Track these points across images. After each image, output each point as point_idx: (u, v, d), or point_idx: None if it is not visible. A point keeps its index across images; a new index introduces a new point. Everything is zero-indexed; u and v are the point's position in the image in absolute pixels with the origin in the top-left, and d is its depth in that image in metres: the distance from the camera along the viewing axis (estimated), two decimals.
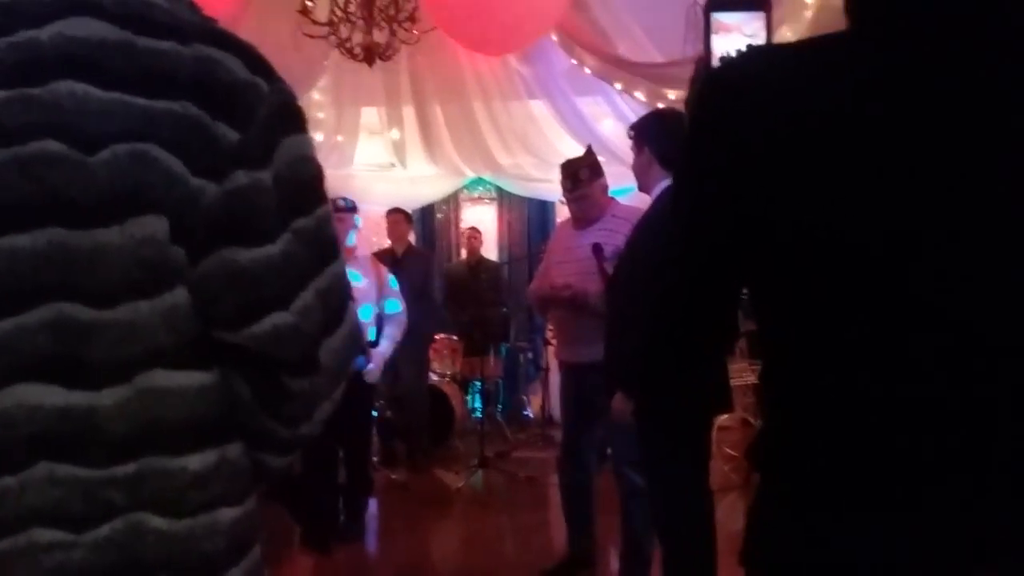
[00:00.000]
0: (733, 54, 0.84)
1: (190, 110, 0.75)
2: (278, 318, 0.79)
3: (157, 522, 0.75)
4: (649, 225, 2.61)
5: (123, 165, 0.73)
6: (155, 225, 0.74)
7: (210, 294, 0.77)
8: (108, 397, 0.74)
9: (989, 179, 0.73)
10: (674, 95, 4.73)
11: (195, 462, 0.77)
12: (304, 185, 0.82)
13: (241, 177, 0.77)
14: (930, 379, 0.74)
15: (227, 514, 0.79)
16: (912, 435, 0.75)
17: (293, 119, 0.83)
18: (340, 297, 0.85)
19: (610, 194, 3.50)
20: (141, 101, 0.74)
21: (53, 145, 0.73)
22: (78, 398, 0.73)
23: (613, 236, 3.17)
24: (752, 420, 5.29)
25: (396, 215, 6.04)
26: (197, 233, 0.76)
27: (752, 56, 0.86)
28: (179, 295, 0.76)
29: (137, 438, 0.75)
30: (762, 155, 0.77)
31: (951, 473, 0.74)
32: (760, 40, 0.79)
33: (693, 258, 0.85)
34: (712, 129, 0.81)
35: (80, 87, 0.73)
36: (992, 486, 0.74)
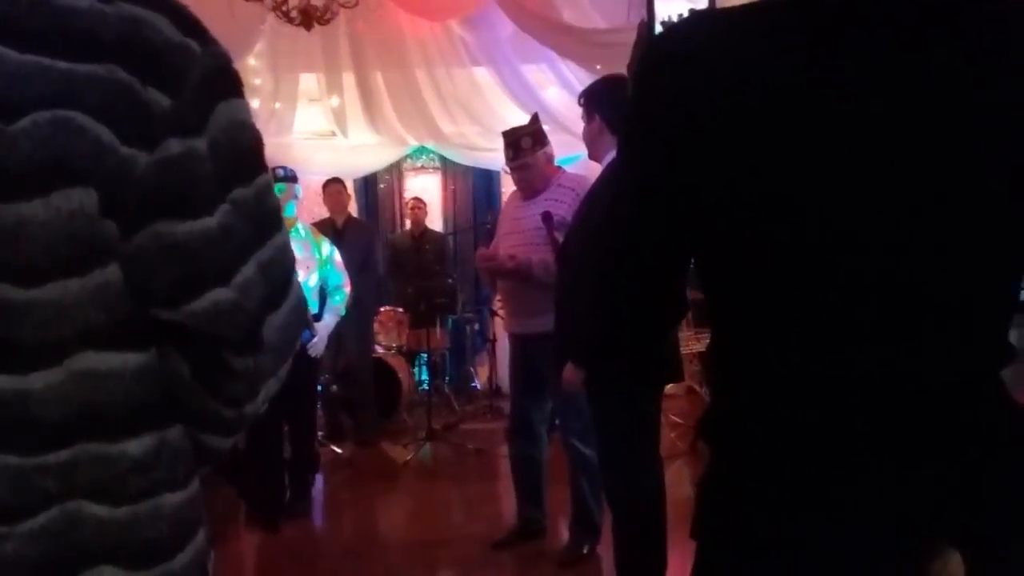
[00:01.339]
0: (675, 18, 0.82)
1: (117, 74, 0.70)
2: (218, 294, 0.74)
3: (96, 510, 0.72)
4: (599, 194, 2.59)
5: (45, 133, 0.67)
6: (83, 198, 0.68)
7: (144, 270, 0.72)
8: (38, 381, 0.69)
9: (927, 146, 0.73)
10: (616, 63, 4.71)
11: (135, 447, 0.73)
12: (242, 153, 0.78)
13: (174, 145, 0.72)
14: (865, 353, 0.75)
15: (170, 499, 0.76)
16: (848, 409, 0.75)
17: (228, 83, 0.77)
18: (283, 270, 0.81)
19: (556, 163, 3.47)
20: (62, 64, 0.68)
21: None
22: (6, 382, 0.68)
23: (559, 206, 3.15)
24: (698, 388, 5.37)
25: (336, 185, 5.92)
26: (129, 206, 0.70)
27: (694, 23, 0.84)
28: (111, 272, 0.71)
29: (71, 423, 0.70)
30: (705, 122, 0.76)
31: (888, 449, 0.75)
32: (702, 5, 0.77)
33: (640, 228, 0.83)
34: (655, 97, 0.80)
35: None
36: (928, 460, 0.74)
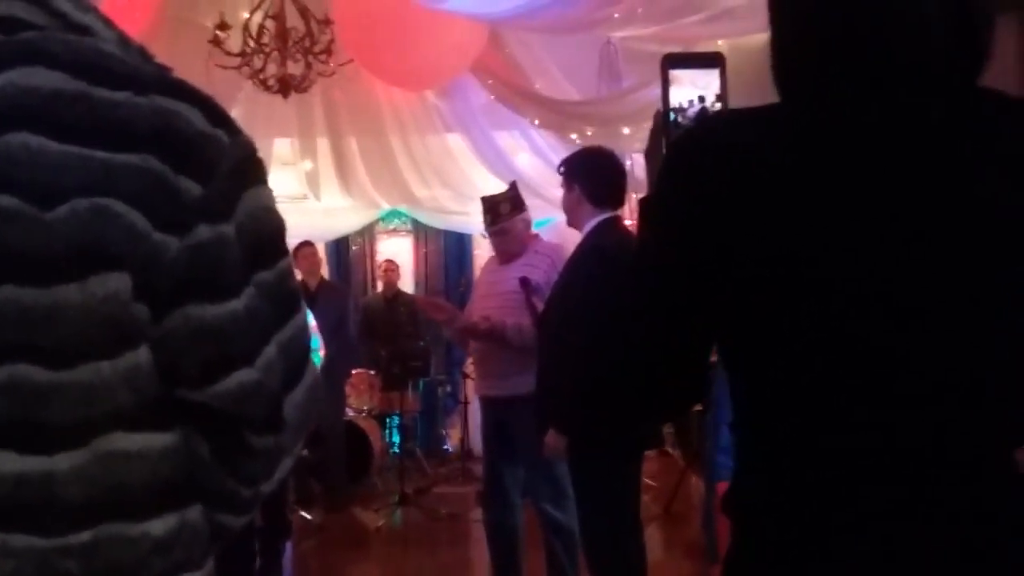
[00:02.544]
0: (686, 104, 0.89)
1: (151, 163, 0.72)
2: (243, 375, 0.76)
3: None
4: (582, 263, 2.64)
5: (83, 220, 0.69)
6: (117, 282, 0.70)
7: (174, 352, 0.74)
8: (64, 462, 0.70)
9: (941, 228, 0.79)
10: (590, 132, 4.84)
11: (157, 527, 0.74)
12: (266, 238, 0.81)
13: (204, 231, 0.74)
14: (886, 430, 0.78)
15: None
16: (869, 487, 0.79)
17: (254, 171, 0.81)
18: (302, 350, 0.83)
19: (533, 230, 3.54)
20: (100, 154, 0.71)
21: (6, 200, 0.68)
22: (33, 464, 0.69)
23: (535, 272, 3.20)
24: (671, 450, 5.38)
25: (308, 248, 5.92)
26: (160, 289, 0.73)
27: (715, 121, 0.93)
28: (141, 354, 0.73)
29: (95, 504, 0.71)
30: (724, 203, 0.82)
31: (909, 528, 0.78)
32: (713, 91, 0.83)
33: (662, 306, 0.87)
34: (676, 185, 0.87)
35: (34, 140, 0.70)
36: (946, 537, 0.78)
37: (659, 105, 1.04)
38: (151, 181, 0.72)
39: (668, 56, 1.01)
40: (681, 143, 0.90)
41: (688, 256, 0.84)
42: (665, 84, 0.97)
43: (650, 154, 1.03)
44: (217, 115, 0.79)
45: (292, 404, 0.81)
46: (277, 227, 0.82)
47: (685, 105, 1.00)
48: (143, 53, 0.84)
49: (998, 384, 0.80)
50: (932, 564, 0.77)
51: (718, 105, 1.00)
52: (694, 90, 0.98)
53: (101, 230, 0.70)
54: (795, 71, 0.85)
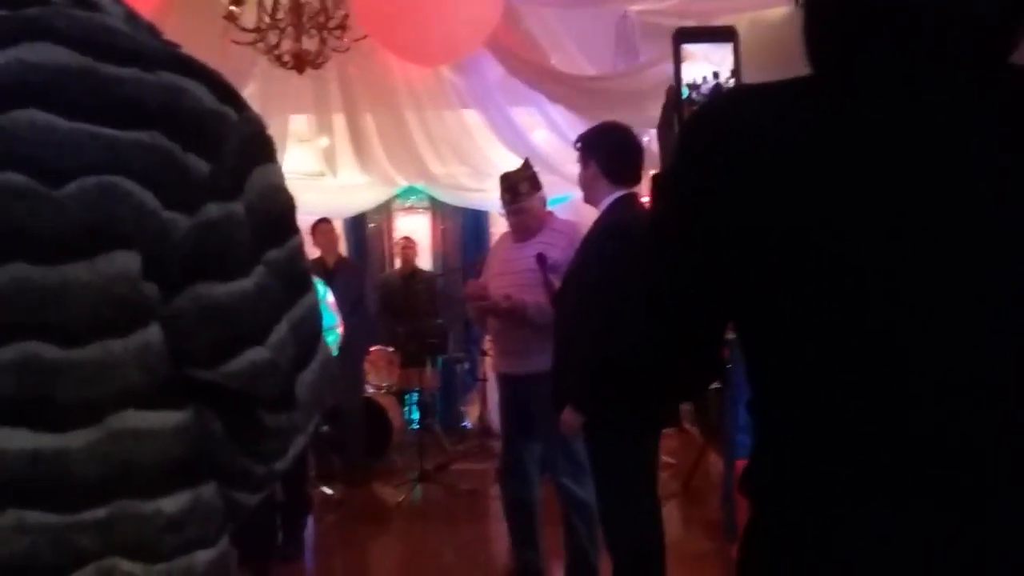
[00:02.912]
0: (699, 81, 0.87)
1: (160, 141, 0.72)
2: (254, 354, 0.76)
3: (130, 567, 0.72)
4: (598, 240, 2.63)
5: (92, 198, 0.69)
6: (126, 261, 0.70)
7: (185, 331, 0.74)
8: (78, 439, 0.70)
9: (938, 207, 0.76)
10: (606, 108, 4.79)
11: (170, 504, 0.74)
12: (276, 216, 0.80)
13: (213, 210, 0.74)
14: (905, 414, 0.77)
15: (202, 556, 0.77)
16: (886, 469, 0.77)
17: (263, 148, 0.80)
18: (313, 329, 0.83)
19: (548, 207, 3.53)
20: (108, 131, 0.70)
21: (16, 177, 0.68)
22: (47, 441, 0.69)
23: (551, 249, 3.20)
24: (689, 427, 5.37)
25: (326, 225, 5.94)
26: (170, 268, 0.73)
27: (731, 96, 0.90)
28: (152, 333, 0.73)
29: (109, 481, 0.72)
30: (742, 182, 0.80)
31: (926, 511, 0.77)
32: (726, 67, 0.81)
33: (681, 285, 0.85)
34: (693, 162, 0.85)
35: (42, 116, 0.69)
36: (966, 524, 0.76)
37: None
38: (159, 159, 0.72)
39: (680, 30, 0.99)
40: (696, 119, 0.88)
41: (701, 234, 0.82)
42: (677, 59, 0.95)
43: (662, 129, 1.02)
44: (225, 92, 0.79)
45: (304, 383, 0.81)
46: (287, 205, 0.82)
47: (699, 81, 0.98)
48: (151, 29, 0.83)
49: (1009, 375, 0.78)
50: (948, 547, 0.76)
51: (732, 81, 0.98)
52: (708, 65, 0.96)
53: (110, 208, 0.70)
54: (832, 43, 0.82)
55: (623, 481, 2.59)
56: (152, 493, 0.74)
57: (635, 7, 4.57)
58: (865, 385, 0.78)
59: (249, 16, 4.73)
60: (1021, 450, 0.78)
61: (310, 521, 4.59)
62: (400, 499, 5.12)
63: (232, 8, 4.63)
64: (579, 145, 2.82)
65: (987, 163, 0.76)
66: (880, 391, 0.77)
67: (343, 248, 7.06)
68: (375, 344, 6.40)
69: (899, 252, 0.76)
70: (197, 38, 4.68)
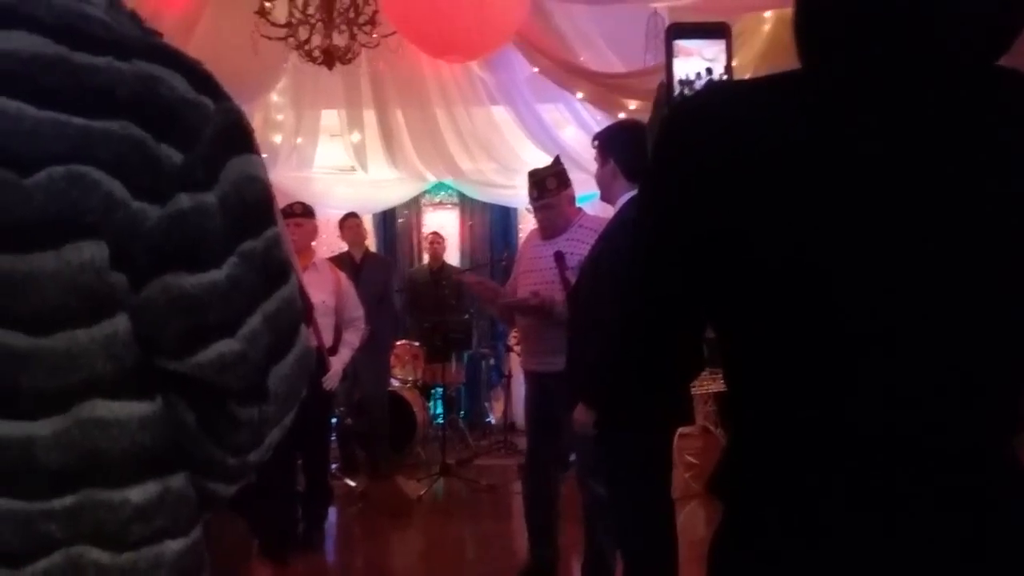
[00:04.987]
0: (692, 77, 0.84)
1: (131, 130, 0.72)
2: (224, 345, 0.76)
3: (97, 555, 0.73)
4: (612, 236, 2.61)
5: (60, 188, 0.69)
6: (93, 250, 0.70)
7: (153, 321, 0.74)
8: (45, 428, 0.71)
9: (943, 212, 0.74)
10: (634, 105, 4.75)
11: (137, 494, 0.75)
12: (251, 206, 0.79)
13: (184, 200, 0.74)
14: (879, 415, 0.75)
15: (172, 546, 0.77)
16: (859, 470, 0.76)
17: (241, 139, 0.80)
18: (290, 321, 0.82)
19: (577, 204, 3.50)
20: (78, 120, 0.71)
21: None
22: (14, 428, 0.70)
23: (579, 246, 3.17)
24: (712, 428, 5.32)
25: (353, 219, 5.99)
26: (139, 258, 0.73)
27: (713, 91, 0.88)
28: (119, 322, 0.73)
29: (76, 470, 0.72)
30: (721, 181, 0.78)
31: (896, 513, 0.75)
32: (720, 63, 0.79)
33: (657, 283, 0.84)
34: (674, 157, 0.83)
35: (12, 104, 0.70)
36: (934, 525, 0.75)
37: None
38: (131, 148, 0.72)
39: (673, 26, 0.97)
40: (677, 114, 0.86)
41: (681, 231, 0.81)
42: (669, 55, 0.93)
43: (651, 126, 1.00)
44: (203, 82, 0.78)
45: (278, 375, 0.80)
46: (263, 196, 0.81)
47: (692, 77, 0.96)
48: (133, 16, 0.83)
49: (1003, 375, 0.77)
50: (926, 547, 0.74)
51: (725, 78, 0.96)
52: (702, 62, 0.94)
53: (78, 198, 0.70)
54: (824, 36, 0.79)
55: (631, 479, 2.56)
56: (120, 482, 0.74)
57: (663, 4, 4.53)
58: (835, 388, 0.76)
59: (280, 11, 4.77)
60: (985, 456, 0.76)
61: (332, 512, 4.63)
62: (422, 492, 5.14)
63: (264, 3, 4.67)
64: (596, 143, 2.80)
65: (982, 168, 0.74)
66: (850, 395, 0.76)
67: (372, 243, 7.11)
68: (401, 338, 6.44)
69: (883, 259, 0.74)
70: (229, 33, 4.74)
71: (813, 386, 0.77)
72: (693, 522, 4.21)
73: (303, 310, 0.87)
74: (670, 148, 0.83)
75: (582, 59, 5.07)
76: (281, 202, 3.84)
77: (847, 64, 0.77)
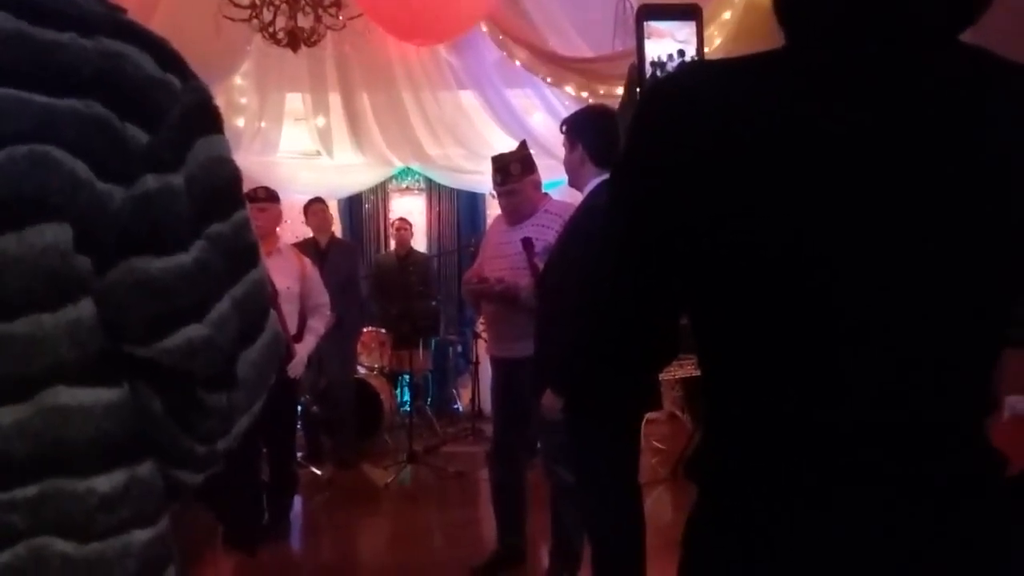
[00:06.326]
0: (664, 59, 0.83)
1: (96, 109, 0.70)
2: (191, 331, 0.74)
3: (62, 546, 0.70)
4: (580, 222, 2.61)
5: (21, 168, 0.67)
6: (57, 233, 0.68)
7: (118, 306, 0.72)
8: (7, 416, 0.68)
9: (918, 196, 0.74)
10: (603, 90, 4.75)
11: (103, 483, 0.72)
12: (219, 189, 0.78)
13: (150, 181, 0.72)
14: (852, 402, 0.75)
15: (139, 536, 0.75)
16: (833, 457, 0.76)
17: (208, 119, 0.78)
18: (259, 306, 0.81)
19: (543, 189, 3.49)
20: (40, 98, 0.68)
21: None
22: None
23: (545, 232, 3.16)
24: (679, 414, 5.38)
25: (319, 204, 5.93)
26: (104, 241, 0.70)
27: (691, 70, 0.86)
28: (84, 307, 0.71)
29: (40, 459, 0.70)
30: (698, 163, 0.76)
31: (871, 498, 0.75)
32: (691, 45, 0.78)
33: (630, 267, 0.83)
34: (651, 139, 0.81)
35: None
36: (909, 509, 0.75)
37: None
38: (95, 128, 0.70)
39: (643, 7, 0.96)
40: (655, 93, 0.83)
41: (662, 219, 0.79)
42: (640, 36, 0.92)
43: (624, 108, 0.98)
44: (169, 59, 0.76)
45: (247, 361, 0.79)
46: (231, 177, 0.79)
47: (664, 59, 0.94)
48: None
49: (975, 358, 0.77)
50: (898, 531, 0.75)
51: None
52: (674, 43, 0.93)
53: (40, 179, 0.67)
54: (809, 13, 0.78)
55: (599, 465, 2.58)
56: (84, 471, 0.72)
57: None
58: (815, 375, 0.76)
59: None
60: (961, 440, 0.77)
61: (298, 501, 4.60)
62: (389, 480, 5.13)
63: None
64: (565, 128, 2.79)
65: (967, 148, 0.74)
66: (831, 383, 0.76)
67: (338, 228, 7.04)
68: (367, 325, 6.40)
69: (863, 244, 0.74)
70: (191, 14, 4.65)
71: (792, 372, 0.77)
72: (660, 507, 4.24)
73: (271, 295, 0.85)
74: (650, 130, 0.81)
75: (551, 44, 5.05)
76: (245, 187, 3.78)
77: (835, 44, 0.76)
